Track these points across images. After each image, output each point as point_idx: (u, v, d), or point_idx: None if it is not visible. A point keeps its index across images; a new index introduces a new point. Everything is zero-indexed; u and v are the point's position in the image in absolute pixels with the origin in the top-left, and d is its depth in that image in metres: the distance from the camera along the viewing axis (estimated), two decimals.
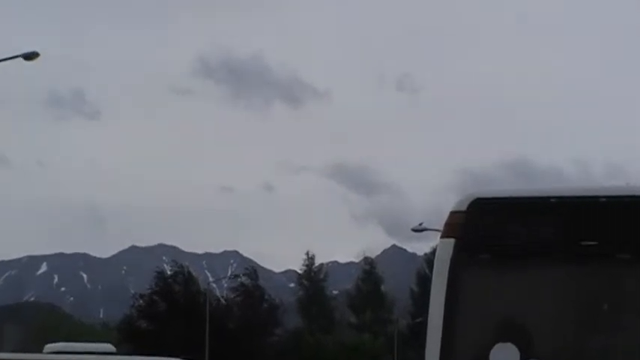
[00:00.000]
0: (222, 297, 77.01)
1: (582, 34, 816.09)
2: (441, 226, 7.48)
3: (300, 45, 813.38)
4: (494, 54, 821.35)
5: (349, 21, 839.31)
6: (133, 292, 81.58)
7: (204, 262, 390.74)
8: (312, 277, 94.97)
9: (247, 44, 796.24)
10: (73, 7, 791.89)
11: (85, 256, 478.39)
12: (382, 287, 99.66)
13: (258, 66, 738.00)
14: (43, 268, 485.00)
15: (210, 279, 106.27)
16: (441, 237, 7.33)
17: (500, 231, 7.17)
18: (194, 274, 74.72)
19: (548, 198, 7.16)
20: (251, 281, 73.13)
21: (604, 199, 7.04)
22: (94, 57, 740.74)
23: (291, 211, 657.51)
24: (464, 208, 7.24)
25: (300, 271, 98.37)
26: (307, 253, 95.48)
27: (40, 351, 27.25)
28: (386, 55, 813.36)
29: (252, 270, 76.28)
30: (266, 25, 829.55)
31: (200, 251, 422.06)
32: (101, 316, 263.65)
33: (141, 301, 68.77)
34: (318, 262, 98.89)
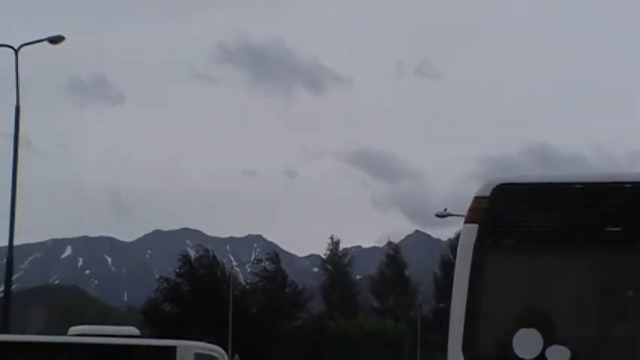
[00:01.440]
0: (246, 281, 77.18)
1: (606, 20, 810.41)
2: (464, 211, 7.48)
3: (320, 30, 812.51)
4: (516, 40, 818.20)
5: (368, 6, 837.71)
6: (157, 275, 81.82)
7: (227, 247, 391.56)
8: (337, 262, 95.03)
9: (267, 30, 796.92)
10: None
11: (109, 240, 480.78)
12: (406, 272, 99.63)
13: (279, 51, 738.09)
14: (68, 251, 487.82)
15: (234, 263, 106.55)
16: (465, 222, 7.33)
17: (524, 217, 7.16)
18: (218, 258, 74.82)
19: (573, 184, 7.14)
20: (274, 265, 73.23)
21: (629, 185, 7.01)
22: (116, 43, 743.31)
23: (314, 196, 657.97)
24: (487, 193, 7.23)
25: (323, 256, 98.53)
26: (332, 238, 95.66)
27: (64, 333, 27.50)
28: (406, 41, 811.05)
29: (275, 254, 76.35)
30: (285, 11, 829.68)
31: (224, 235, 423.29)
32: (125, 299, 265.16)
33: (165, 285, 69.00)
34: (342, 247, 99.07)
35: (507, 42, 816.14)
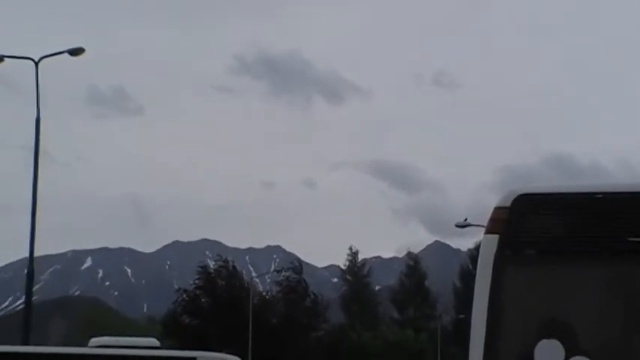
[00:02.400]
0: (266, 292, 77.14)
1: (628, 24, 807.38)
2: (484, 222, 7.45)
3: (337, 41, 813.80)
4: (535, 50, 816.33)
5: (383, 16, 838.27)
6: (176, 286, 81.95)
7: (247, 257, 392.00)
8: (356, 273, 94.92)
9: (284, 41, 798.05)
10: (110, 7, 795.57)
11: (129, 251, 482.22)
12: (426, 283, 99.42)
13: (297, 62, 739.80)
14: (88, 262, 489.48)
15: (254, 274, 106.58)
16: (485, 233, 7.30)
17: (545, 227, 7.12)
18: (238, 268, 74.84)
19: (594, 194, 7.10)
20: (295, 276, 73.15)
21: None
22: (134, 55, 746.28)
23: (333, 207, 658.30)
24: (508, 204, 7.20)
25: (343, 267, 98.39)
26: (351, 248, 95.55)
27: (85, 345, 27.54)
28: (423, 51, 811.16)
29: (299, 264, 76.29)
30: (302, 22, 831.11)
31: (243, 246, 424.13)
32: (145, 310, 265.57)
33: (185, 296, 69.07)
34: (361, 257, 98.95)
35: (524, 50, 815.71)
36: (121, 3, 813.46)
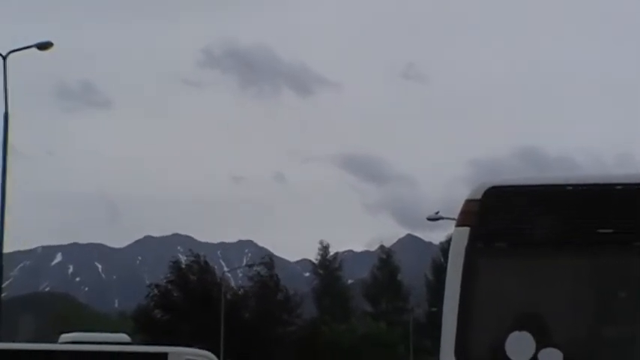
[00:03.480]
0: (239, 287, 77.04)
1: (593, 23, 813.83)
2: (456, 215, 7.45)
3: (305, 34, 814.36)
4: (503, 43, 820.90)
5: (351, 9, 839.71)
6: (148, 282, 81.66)
7: (219, 252, 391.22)
8: (327, 267, 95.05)
9: (252, 34, 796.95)
10: (77, 1, 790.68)
11: (99, 247, 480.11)
12: (398, 276, 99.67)
13: (266, 56, 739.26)
14: (58, 258, 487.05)
15: (226, 269, 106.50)
16: (456, 225, 7.29)
17: (516, 219, 7.12)
18: (210, 263, 74.65)
19: (564, 186, 7.11)
20: (267, 270, 73.10)
21: (620, 187, 6.98)
22: (102, 49, 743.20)
23: (303, 201, 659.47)
24: (479, 196, 7.20)
25: (315, 261, 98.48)
26: (321, 242, 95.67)
27: (55, 341, 27.40)
28: (392, 45, 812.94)
29: (270, 259, 76.23)
30: (270, 15, 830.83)
31: (215, 241, 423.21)
32: (116, 306, 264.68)
33: (156, 291, 68.86)
34: (333, 251, 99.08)
35: (493, 43, 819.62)
36: None
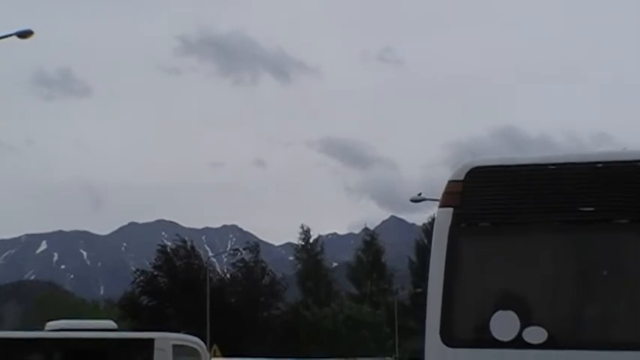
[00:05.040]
0: (225, 272, 77.02)
1: (569, 3, 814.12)
2: (438, 196, 7.48)
3: (281, 19, 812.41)
4: (479, 24, 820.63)
5: None
6: (133, 268, 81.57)
7: (203, 237, 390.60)
8: (309, 250, 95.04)
9: (228, 20, 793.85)
10: None
11: (84, 234, 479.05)
12: (382, 258, 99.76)
13: (242, 42, 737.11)
14: (43, 246, 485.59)
15: (210, 254, 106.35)
16: (439, 206, 7.33)
17: (499, 199, 7.17)
18: (196, 248, 74.57)
19: (546, 165, 7.16)
20: (252, 255, 73.08)
21: (601, 165, 7.03)
22: (80, 36, 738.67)
23: (286, 186, 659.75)
24: (461, 177, 7.23)
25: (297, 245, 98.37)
26: (302, 227, 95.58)
27: (41, 329, 27.34)
28: (369, 29, 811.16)
29: (255, 244, 76.20)
30: (245, 1, 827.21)
31: (199, 226, 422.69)
32: (102, 293, 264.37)
33: (142, 277, 68.80)
34: (316, 234, 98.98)
35: (469, 26, 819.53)
36: None
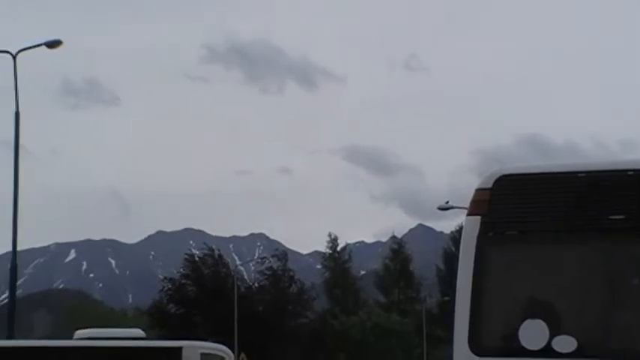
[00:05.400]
0: (252, 280, 77.01)
1: (601, 9, 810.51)
2: (465, 204, 7.46)
3: (307, 27, 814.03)
4: (505, 31, 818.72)
5: (352, 2, 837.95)
6: (161, 276, 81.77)
7: (231, 246, 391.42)
8: (337, 259, 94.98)
9: (254, 28, 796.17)
10: None
11: (112, 242, 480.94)
12: (410, 266, 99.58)
13: (268, 50, 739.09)
14: (72, 255, 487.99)
15: (238, 262, 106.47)
16: (467, 214, 7.31)
17: (527, 207, 7.13)
18: (224, 256, 74.60)
19: (575, 173, 7.11)
20: (280, 263, 73.06)
21: (631, 173, 6.98)
22: (107, 46, 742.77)
23: (312, 194, 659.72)
24: (489, 185, 7.21)
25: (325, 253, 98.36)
26: (330, 235, 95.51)
27: (70, 337, 27.47)
28: (394, 36, 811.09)
29: (283, 252, 76.14)
30: (271, 8, 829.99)
31: (227, 235, 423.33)
32: (130, 301, 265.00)
33: (169, 285, 68.93)
34: (344, 242, 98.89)
35: (495, 33, 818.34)
36: None
